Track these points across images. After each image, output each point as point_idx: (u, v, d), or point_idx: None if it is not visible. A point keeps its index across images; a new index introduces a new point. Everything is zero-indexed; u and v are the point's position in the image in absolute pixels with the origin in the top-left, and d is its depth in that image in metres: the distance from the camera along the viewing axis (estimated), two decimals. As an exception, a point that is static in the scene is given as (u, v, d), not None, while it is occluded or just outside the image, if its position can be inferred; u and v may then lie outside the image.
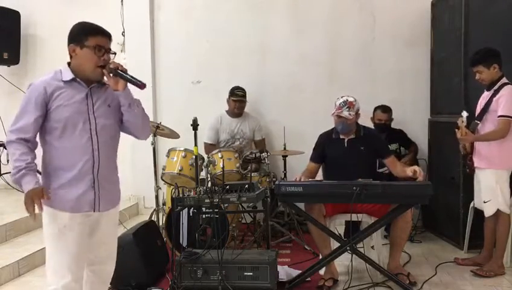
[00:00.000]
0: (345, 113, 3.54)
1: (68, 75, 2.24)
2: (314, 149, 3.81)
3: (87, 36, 2.23)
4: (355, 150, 3.64)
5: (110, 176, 2.37)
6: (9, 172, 5.70)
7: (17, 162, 2.13)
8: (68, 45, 2.27)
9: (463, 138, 3.50)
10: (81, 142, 2.22)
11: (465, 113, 3.45)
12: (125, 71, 2.26)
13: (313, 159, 3.78)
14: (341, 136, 3.71)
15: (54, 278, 2.23)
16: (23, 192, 2.13)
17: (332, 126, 3.83)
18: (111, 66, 2.24)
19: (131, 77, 2.27)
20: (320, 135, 3.85)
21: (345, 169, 3.48)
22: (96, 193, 2.27)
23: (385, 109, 4.70)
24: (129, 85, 2.31)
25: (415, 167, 3.34)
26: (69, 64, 2.29)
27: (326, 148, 3.74)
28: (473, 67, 3.55)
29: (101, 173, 2.28)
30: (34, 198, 2.09)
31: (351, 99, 3.60)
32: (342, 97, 3.64)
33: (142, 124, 2.42)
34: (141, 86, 2.27)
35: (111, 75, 2.25)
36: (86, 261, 2.35)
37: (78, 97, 2.23)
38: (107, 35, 2.30)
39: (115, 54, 2.34)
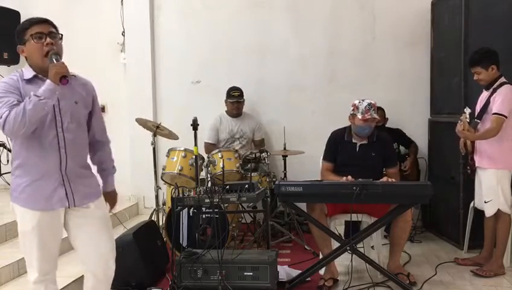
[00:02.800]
0: (374, 115, 3.57)
1: (29, 73, 2.23)
2: (327, 148, 3.78)
3: (24, 32, 2.23)
4: (366, 156, 3.64)
5: (80, 171, 2.35)
6: (9, 172, 5.70)
7: (27, 105, 2.05)
8: (17, 48, 2.28)
9: (462, 133, 3.47)
10: (47, 140, 2.21)
11: (468, 110, 3.45)
12: (55, 54, 2.18)
13: (329, 159, 3.75)
14: (353, 140, 3.70)
15: (28, 271, 2.33)
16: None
17: (334, 126, 3.85)
18: (52, 52, 2.18)
19: (54, 59, 2.17)
20: (333, 133, 3.83)
21: (353, 173, 3.43)
22: (67, 189, 2.28)
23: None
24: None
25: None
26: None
27: (338, 149, 3.73)
28: (471, 68, 3.56)
29: (69, 169, 2.28)
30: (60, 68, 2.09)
31: (372, 101, 3.61)
32: (363, 101, 3.61)
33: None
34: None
35: (54, 61, 2.17)
36: (57, 256, 2.38)
37: None
38: (45, 22, 2.25)
39: (62, 35, 2.28)
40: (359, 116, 3.57)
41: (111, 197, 2.59)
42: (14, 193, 2.28)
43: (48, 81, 2.11)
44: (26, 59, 2.28)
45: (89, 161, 2.49)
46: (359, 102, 3.62)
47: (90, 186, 2.41)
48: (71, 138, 2.28)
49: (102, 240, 2.41)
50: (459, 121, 3.45)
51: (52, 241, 2.32)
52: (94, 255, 2.39)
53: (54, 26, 2.28)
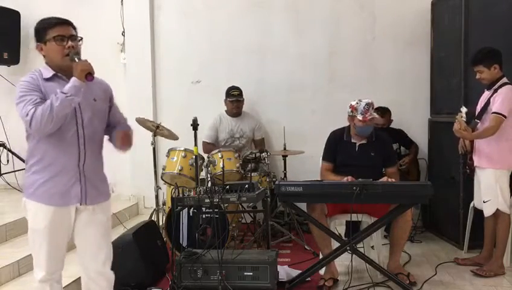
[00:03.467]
0: (374, 114, 3.55)
1: (48, 72, 2.28)
2: (327, 148, 3.78)
3: (46, 31, 2.25)
4: (366, 156, 3.63)
5: (96, 170, 2.39)
6: (9, 172, 5.66)
7: (54, 101, 2.10)
8: (36, 46, 2.30)
9: (460, 132, 3.48)
10: (67, 136, 2.24)
11: (464, 109, 3.45)
12: (76, 54, 2.24)
13: (328, 159, 3.74)
14: (353, 140, 3.69)
15: (35, 270, 2.32)
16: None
17: (334, 126, 3.85)
18: (72, 52, 2.23)
19: (76, 57, 2.24)
20: (332, 133, 3.82)
21: (353, 173, 3.43)
22: (82, 186, 2.29)
23: (383, 113, 4.62)
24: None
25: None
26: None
27: (337, 149, 3.72)
28: (474, 67, 3.56)
29: (87, 166, 2.30)
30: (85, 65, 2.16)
31: (369, 100, 3.59)
32: (360, 101, 3.59)
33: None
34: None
35: (76, 60, 2.23)
36: (64, 255, 2.38)
37: None
38: (66, 23, 2.29)
39: (81, 38, 2.33)
40: (359, 117, 3.55)
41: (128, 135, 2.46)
42: (29, 189, 2.28)
43: (74, 78, 2.16)
44: (44, 57, 2.31)
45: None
46: (357, 103, 3.60)
47: (102, 187, 2.43)
48: (90, 134, 2.31)
49: (99, 247, 2.42)
50: (456, 120, 3.46)
51: (62, 239, 2.32)
52: (90, 261, 2.40)
53: (74, 28, 2.32)
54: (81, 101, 2.26)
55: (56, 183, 2.25)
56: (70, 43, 2.24)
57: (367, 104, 3.56)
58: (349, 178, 3.37)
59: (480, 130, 3.49)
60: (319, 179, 3.75)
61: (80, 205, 2.31)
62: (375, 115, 3.59)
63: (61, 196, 2.26)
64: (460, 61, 4.09)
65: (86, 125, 2.29)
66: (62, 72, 2.26)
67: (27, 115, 2.11)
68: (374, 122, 3.61)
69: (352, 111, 3.61)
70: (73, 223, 2.34)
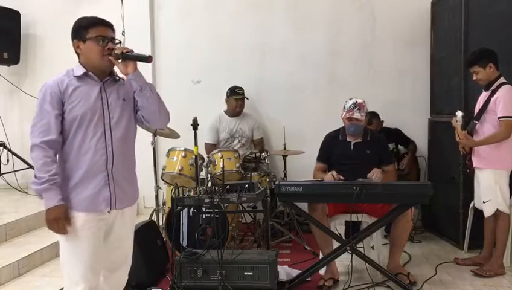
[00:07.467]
0: (357, 115, 3.57)
1: (80, 70, 2.22)
2: (321, 149, 3.82)
3: (87, 29, 2.21)
4: (361, 154, 3.65)
5: (126, 173, 2.32)
6: (9, 172, 5.65)
7: (40, 173, 2.09)
8: (72, 42, 2.25)
9: (463, 142, 3.51)
10: (94, 138, 2.18)
11: (459, 113, 3.46)
12: (130, 51, 2.22)
13: (321, 159, 3.79)
14: (348, 139, 3.71)
15: (67, 285, 2.19)
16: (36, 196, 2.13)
17: (334, 126, 3.86)
18: (116, 51, 2.20)
19: (138, 54, 2.24)
20: (327, 134, 3.86)
21: (350, 172, 3.46)
22: (111, 190, 2.22)
23: (370, 121, 4.40)
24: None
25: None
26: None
27: (333, 149, 3.75)
28: (469, 68, 3.57)
29: (115, 169, 2.23)
30: (59, 220, 2.09)
31: (360, 100, 3.63)
32: (350, 99, 3.65)
33: (158, 110, 2.32)
34: (148, 58, 2.24)
35: (119, 61, 2.22)
36: (102, 267, 2.28)
37: (92, 92, 2.20)
38: (108, 25, 2.26)
39: (120, 42, 2.29)
40: (343, 114, 3.64)
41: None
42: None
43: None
44: (78, 55, 2.27)
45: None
46: (346, 101, 3.68)
47: (130, 190, 2.38)
48: (118, 135, 2.24)
49: (127, 248, 2.40)
50: (456, 133, 3.47)
51: (97, 247, 2.21)
52: (116, 261, 2.36)
53: (113, 30, 2.29)
54: (111, 99, 2.24)
55: (84, 189, 2.16)
56: (110, 44, 2.21)
57: (354, 103, 3.61)
58: (334, 173, 3.45)
59: (488, 136, 3.45)
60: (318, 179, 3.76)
61: (110, 209, 2.23)
62: (359, 116, 3.58)
63: (90, 201, 2.17)
64: (460, 61, 4.09)
65: (113, 126, 2.22)
66: (94, 71, 2.22)
67: (31, 148, 2.13)
68: (358, 123, 3.61)
69: (342, 109, 3.69)
70: (103, 232, 2.25)
